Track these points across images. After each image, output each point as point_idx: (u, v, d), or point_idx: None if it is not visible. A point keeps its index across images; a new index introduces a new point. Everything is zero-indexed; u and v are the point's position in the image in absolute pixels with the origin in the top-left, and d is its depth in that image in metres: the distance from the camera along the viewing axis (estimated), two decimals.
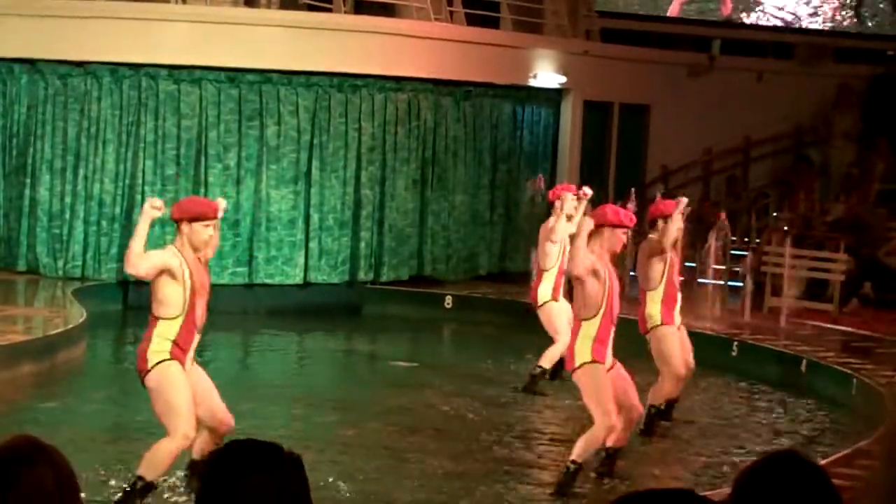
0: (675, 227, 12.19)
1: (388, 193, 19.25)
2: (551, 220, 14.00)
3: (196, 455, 9.63)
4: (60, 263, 18.14)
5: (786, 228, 20.34)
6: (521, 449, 11.72)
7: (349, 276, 19.02)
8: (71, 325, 14.85)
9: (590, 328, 10.16)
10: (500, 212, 20.70)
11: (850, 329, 16.94)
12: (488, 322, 17.94)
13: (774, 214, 22.45)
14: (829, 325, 17.15)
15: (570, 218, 13.49)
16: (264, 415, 12.44)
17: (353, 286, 18.99)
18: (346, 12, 19.30)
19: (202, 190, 18.10)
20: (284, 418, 12.65)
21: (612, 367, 10.27)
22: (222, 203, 9.64)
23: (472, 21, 20.49)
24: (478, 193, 20.42)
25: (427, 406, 13.24)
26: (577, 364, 10.18)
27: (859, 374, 13.77)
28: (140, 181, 18.11)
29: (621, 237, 10.36)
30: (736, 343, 15.70)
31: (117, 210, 18.19)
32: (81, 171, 18.15)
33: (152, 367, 9.21)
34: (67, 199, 18.15)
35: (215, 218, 9.37)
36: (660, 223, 12.31)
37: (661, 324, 12.22)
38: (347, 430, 12.15)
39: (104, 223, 18.16)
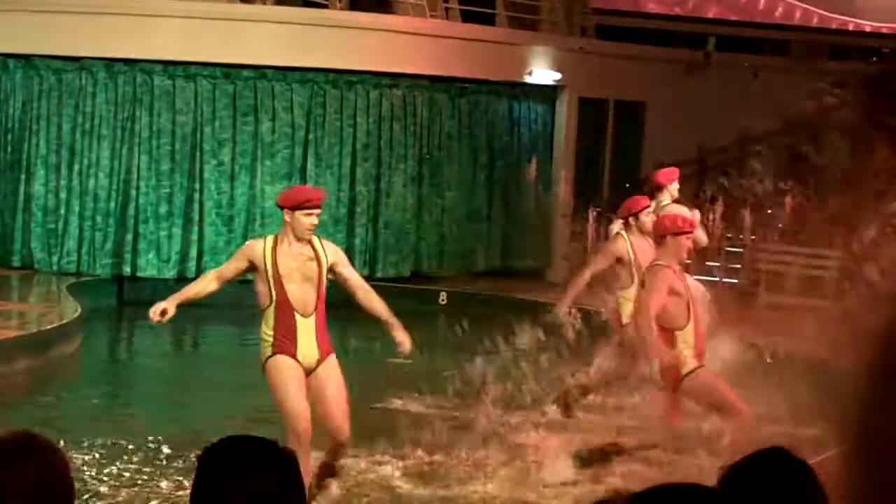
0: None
1: (384, 190, 19.25)
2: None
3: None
4: (55, 259, 18.15)
5: (780, 225, 20.33)
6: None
7: None
8: (65, 321, 14.84)
9: (686, 336, 10.05)
10: (496, 208, 20.70)
11: None
12: (483, 317, 17.91)
13: (769, 211, 22.44)
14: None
15: (677, 201, 12.68)
16: (259, 410, 12.43)
17: None
18: (341, 8, 19.32)
19: (197, 185, 18.14)
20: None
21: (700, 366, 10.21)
22: None
23: (467, 17, 20.50)
24: (473, 190, 20.42)
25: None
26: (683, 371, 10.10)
27: None
28: (135, 176, 18.13)
29: (686, 243, 10.06)
30: None
31: (112, 205, 18.20)
32: (76, 167, 18.16)
33: (263, 366, 9.12)
34: (62, 195, 18.16)
35: (318, 206, 9.14)
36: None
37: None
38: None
39: (99, 218, 18.17)
